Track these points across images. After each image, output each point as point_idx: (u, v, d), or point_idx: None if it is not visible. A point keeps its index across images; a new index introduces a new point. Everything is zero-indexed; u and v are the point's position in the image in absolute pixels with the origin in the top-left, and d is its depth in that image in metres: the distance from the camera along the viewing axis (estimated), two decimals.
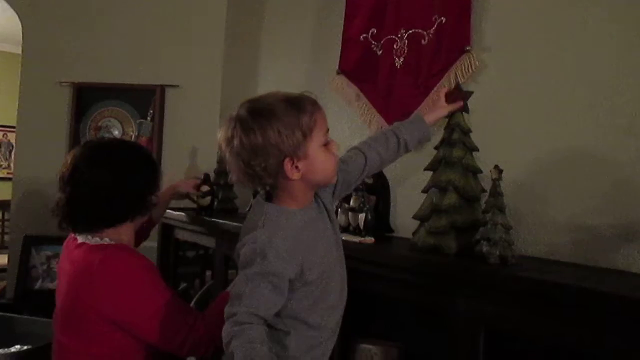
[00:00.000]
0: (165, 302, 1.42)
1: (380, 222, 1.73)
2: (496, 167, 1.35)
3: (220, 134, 1.21)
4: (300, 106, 1.17)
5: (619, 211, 1.37)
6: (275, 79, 2.69)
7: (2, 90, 5.82)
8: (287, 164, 1.15)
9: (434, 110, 1.52)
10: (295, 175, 1.17)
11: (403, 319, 1.67)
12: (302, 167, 1.17)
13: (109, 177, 1.49)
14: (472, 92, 1.51)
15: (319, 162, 1.19)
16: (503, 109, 1.64)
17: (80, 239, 1.51)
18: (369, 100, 2.04)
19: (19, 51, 3.09)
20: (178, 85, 2.97)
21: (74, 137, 2.95)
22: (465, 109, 1.49)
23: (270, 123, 1.14)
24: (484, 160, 1.51)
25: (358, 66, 2.08)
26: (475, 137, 1.53)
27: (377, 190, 1.73)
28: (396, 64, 1.95)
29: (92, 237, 1.49)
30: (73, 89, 3.00)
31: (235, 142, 1.16)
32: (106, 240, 1.48)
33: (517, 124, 1.60)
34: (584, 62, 1.46)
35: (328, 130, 1.23)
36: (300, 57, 2.51)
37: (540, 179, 1.53)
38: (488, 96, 1.67)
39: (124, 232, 1.55)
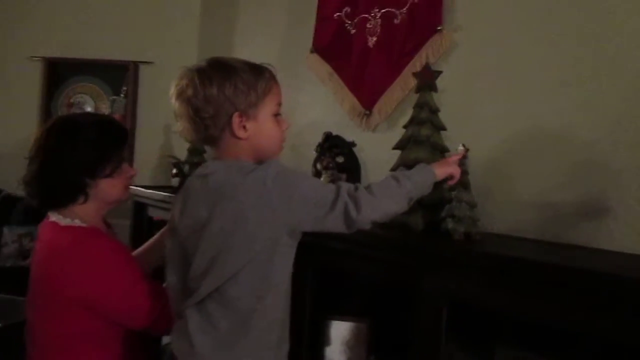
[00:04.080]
0: (135, 283, 1.41)
1: None
2: (463, 145, 1.37)
3: (173, 85, 1.22)
4: (259, 71, 1.23)
5: (579, 189, 1.40)
6: (250, 56, 2.60)
7: None
8: (236, 119, 1.18)
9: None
10: (241, 133, 1.19)
11: (373, 295, 1.70)
12: (249, 128, 1.20)
13: (44, 156, 1.44)
14: (440, 72, 1.52)
15: (266, 129, 1.23)
16: (472, 88, 1.66)
17: (52, 217, 1.49)
18: (342, 79, 2.04)
19: None
20: (152, 62, 2.93)
21: (46, 113, 2.91)
22: (433, 87, 1.50)
23: (229, 77, 1.18)
24: (453, 139, 1.53)
25: (332, 45, 2.08)
26: (444, 117, 1.54)
27: (348, 168, 1.74)
28: (369, 43, 1.95)
29: (64, 218, 1.46)
30: (45, 64, 2.95)
31: (190, 90, 1.18)
32: (77, 222, 1.44)
33: (486, 104, 1.62)
34: (553, 43, 1.48)
35: (281, 104, 1.27)
36: (276, 35, 2.49)
37: (507, 158, 1.56)
38: (458, 76, 1.69)
39: (88, 213, 1.48)
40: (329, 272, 1.56)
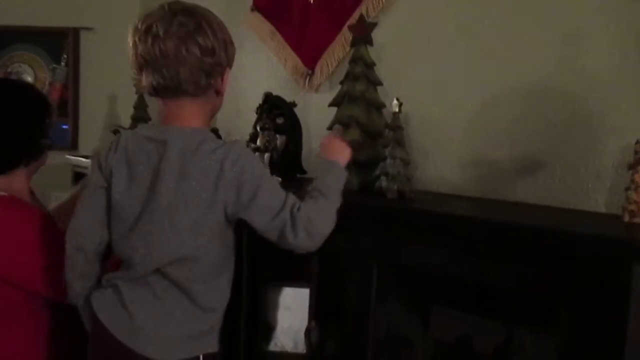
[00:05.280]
0: (61, 255, 1.34)
1: (291, 162, 1.68)
2: (397, 99, 1.32)
3: (161, 22, 1.06)
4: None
5: (517, 144, 1.36)
6: None
7: None
8: (227, 73, 1.15)
9: None
10: (222, 88, 1.16)
11: (311, 259, 1.65)
12: (224, 84, 1.16)
13: None
14: (375, 24, 1.46)
15: (225, 87, 1.19)
16: (411, 43, 1.60)
17: None
18: (284, 38, 1.96)
19: None
20: (93, 28, 2.79)
21: None
22: (368, 41, 1.44)
23: (225, 28, 1.15)
24: (391, 95, 1.47)
25: (272, 2, 1.99)
26: (382, 72, 1.48)
27: (287, 129, 1.66)
28: None
29: None
30: None
31: (200, 31, 1.07)
32: None
33: (424, 59, 1.56)
34: None
35: None
36: None
37: (446, 115, 1.51)
38: (397, 30, 1.62)
39: (17, 180, 1.44)
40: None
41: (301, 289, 1.61)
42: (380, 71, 1.49)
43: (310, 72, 1.87)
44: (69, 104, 2.78)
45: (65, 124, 2.80)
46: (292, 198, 1.10)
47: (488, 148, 1.42)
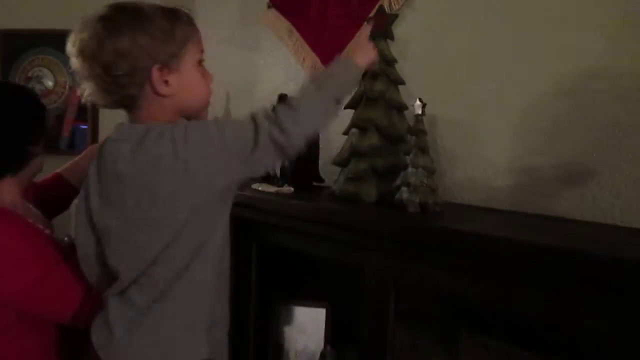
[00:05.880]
0: (50, 272, 1.24)
1: (306, 169, 1.54)
2: (420, 100, 1.16)
3: (71, 37, 1.01)
4: (175, 15, 1.04)
5: (559, 149, 1.19)
6: (208, 16, 2.42)
7: None
8: (155, 73, 1.00)
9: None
10: (163, 89, 1.01)
11: (325, 276, 1.51)
12: (172, 82, 1.02)
13: None
14: (396, 16, 1.31)
15: (191, 82, 1.05)
16: (439, 37, 1.44)
17: None
18: (301, 36, 1.82)
19: None
20: None
21: None
22: (389, 34, 1.29)
23: (141, 24, 1.00)
24: (415, 96, 1.32)
25: None
26: (407, 70, 1.33)
27: None
28: None
29: None
30: None
31: (93, 43, 0.97)
32: None
33: (454, 55, 1.40)
34: None
35: (203, 52, 1.08)
36: None
37: (477, 117, 1.34)
38: (423, 24, 1.46)
39: (5, 190, 1.34)
40: (275, 251, 1.37)
41: (316, 309, 1.48)
42: (403, 69, 1.34)
43: None
44: (89, 108, 2.71)
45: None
46: (260, 110, 1.00)
47: (526, 154, 1.25)
